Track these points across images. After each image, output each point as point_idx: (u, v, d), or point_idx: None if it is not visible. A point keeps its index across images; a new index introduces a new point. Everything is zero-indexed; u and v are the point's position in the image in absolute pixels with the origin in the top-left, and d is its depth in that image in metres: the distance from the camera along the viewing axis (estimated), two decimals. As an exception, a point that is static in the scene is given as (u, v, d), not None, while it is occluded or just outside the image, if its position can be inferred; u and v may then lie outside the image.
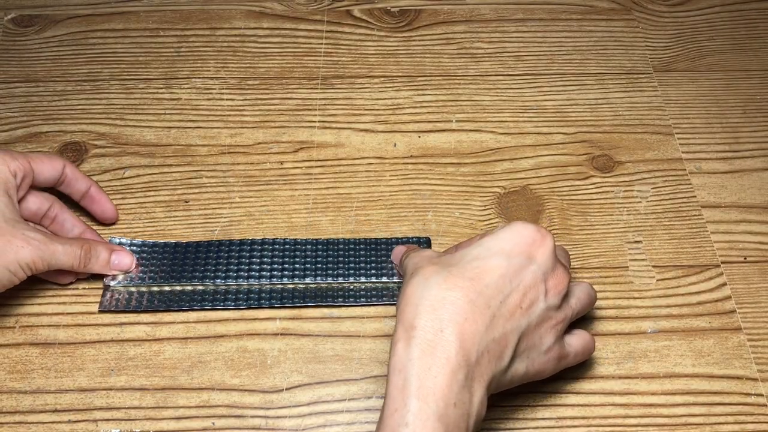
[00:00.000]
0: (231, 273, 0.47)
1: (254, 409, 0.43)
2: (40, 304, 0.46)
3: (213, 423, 0.42)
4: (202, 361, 0.44)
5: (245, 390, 0.43)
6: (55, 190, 0.48)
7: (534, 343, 0.37)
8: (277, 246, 0.49)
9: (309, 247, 0.49)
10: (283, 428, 0.42)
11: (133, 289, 0.46)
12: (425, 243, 0.49)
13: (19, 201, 0.45)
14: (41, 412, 0.42)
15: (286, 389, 0.43)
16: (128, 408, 0.42)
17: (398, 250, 0.48)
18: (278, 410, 0.43)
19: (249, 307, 0.46)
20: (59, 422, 0.42)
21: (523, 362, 0.37)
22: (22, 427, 0.41)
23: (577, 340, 0.41)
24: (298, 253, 0.48)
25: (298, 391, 0.43)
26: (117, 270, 0.46)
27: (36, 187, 0.46)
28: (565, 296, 0.39)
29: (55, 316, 0.46)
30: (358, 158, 0.54)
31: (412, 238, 0.49)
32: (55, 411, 0.42)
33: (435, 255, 0.40)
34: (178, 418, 0.42)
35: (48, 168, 0.46)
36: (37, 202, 0.46)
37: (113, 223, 0.50)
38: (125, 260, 0.47)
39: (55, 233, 0.47)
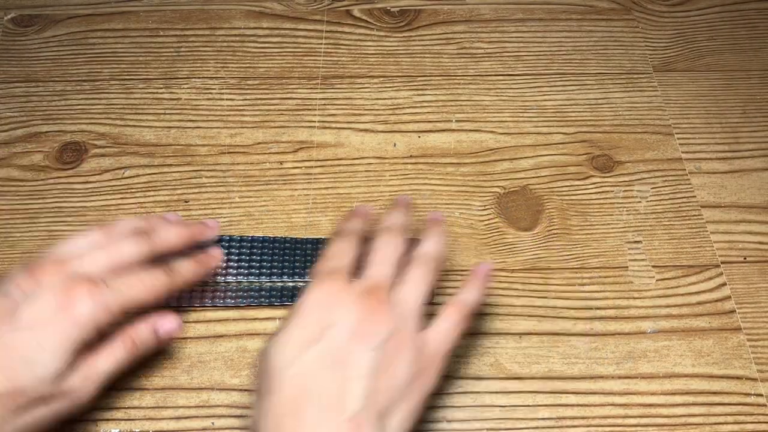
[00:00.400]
0: (231, 270, 0.47)
1: (254, 409, 0.43)
2: (39, 303, 0.46)
3: (212, 423, 0.42)
4: (202, 361, 0.44)
5: (245, 390, 0.43)
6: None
7: (393, 397, 0.34)
8: (277, 244, 0.49)
9: (309, 246, 0.49)
10: (283, 428, 0.42)
11: None
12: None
13: None
14: (41, 411, 0.42)
15: (286, 389, 0.43)
16: (128, 408, 0.42)
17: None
18: (278, 410, 0.43)
19: (249, 305, 0.46)
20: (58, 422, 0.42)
21: (396, 417, 0.34)
22: (21, 427, 0.41)
23: (436, 331, 0.38)
24: (298, 251, 0.48)
25: (298, 391, 0.43)
26: (167, 333, 0.41)
27: None
28: (384, 317, 0.36)
29: (55, 316, 0.46)
30: (357, 158, 0.54)
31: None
32: (55, 411, 0.42)
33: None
34: (178, 418, 0.42)
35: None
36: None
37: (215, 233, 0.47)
38: (167, 324, 0.42)
39: None
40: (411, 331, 0.36)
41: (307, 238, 0.49)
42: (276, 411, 0.33)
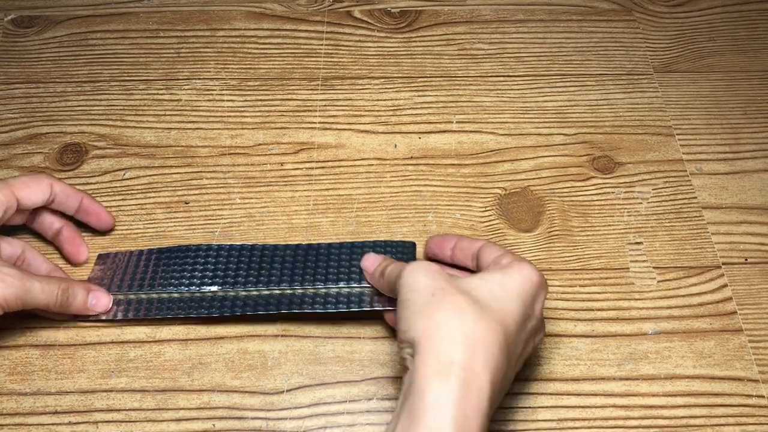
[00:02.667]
0: (218, 279, 0.46)
1: (255, 411, 0.43)
2: (40, 305, 0.46)
3: (213, 425, 0.42)
4: (203, 363, 0.44)
5: (246, 392, 0.43)
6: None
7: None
8: (256, 252, 0.47)
9: (289, 252, 0.47)
10: (284, 430, 0.42)
11: (121, 296, 0.46)
12: (410, 247, 0.48)
13: None
14: (41, 413, 0.42)
15: (287, 391, 0.43)
16: (128, 410, 0.42)
17: (372, 260, 0.45)
18: (279, 412, 0.43)
19: (233, 314, 0.45)
20: (59, 424, 0.42)
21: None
22: (22, 429, 0.41)
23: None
24: (276, 258, 0.47)
25: (299, 393, 0.43)
26: (94, 311, 0.45)
27: (23, 210, 0.45)
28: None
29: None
30: (358, 159, 0.54)
31: (397, 242, 0.48)
32: (56, 413, 0.42)
33: (442, 272, 0.38)
34: (179, 420, 0.42)
35: (35, 191, 0.45)
36: (9, 249, 0.45)
37: (111, 231, 0.50)
38: (102, 300, 0.45)
39: None
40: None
41: (287, 245, 0.48)
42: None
